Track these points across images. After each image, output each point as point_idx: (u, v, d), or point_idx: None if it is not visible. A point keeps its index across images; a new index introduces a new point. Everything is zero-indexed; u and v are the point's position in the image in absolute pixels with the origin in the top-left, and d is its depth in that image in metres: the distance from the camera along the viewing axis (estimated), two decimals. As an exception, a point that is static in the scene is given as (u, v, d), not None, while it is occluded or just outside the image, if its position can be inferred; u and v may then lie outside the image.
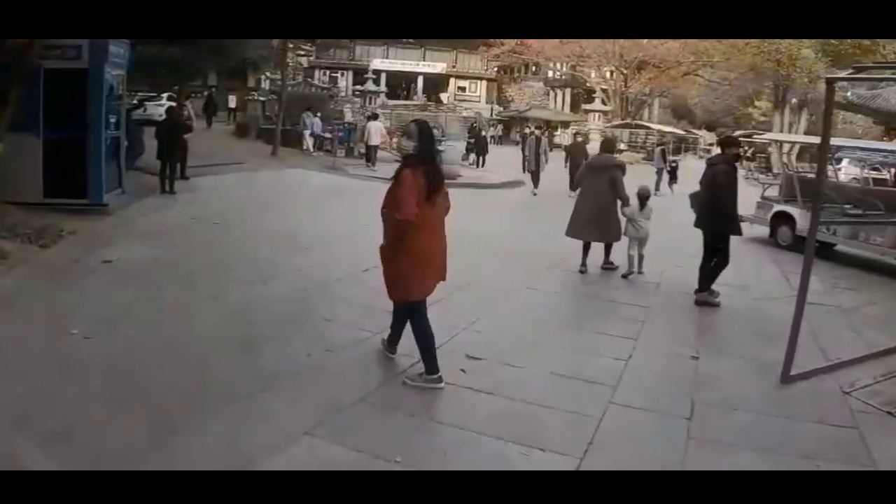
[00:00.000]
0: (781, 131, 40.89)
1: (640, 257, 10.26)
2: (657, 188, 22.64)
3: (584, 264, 10.19)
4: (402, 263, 5.36)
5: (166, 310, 6.88)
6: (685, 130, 56.04)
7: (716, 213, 8.70)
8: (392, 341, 6.00)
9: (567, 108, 60.77)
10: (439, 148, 22.48)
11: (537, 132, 23.89)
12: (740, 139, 9.80)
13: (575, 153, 21.30)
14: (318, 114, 29.79)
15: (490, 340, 6.74)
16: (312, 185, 19.50)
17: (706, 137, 57.82)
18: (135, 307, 6.85)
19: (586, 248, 10.24)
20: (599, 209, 10.00)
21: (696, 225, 9.08)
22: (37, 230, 9.60)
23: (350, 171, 22.53)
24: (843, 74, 7.98)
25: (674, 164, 25.67)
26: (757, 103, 55.89)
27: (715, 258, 8.86)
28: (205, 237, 10.80)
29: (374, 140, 24.61)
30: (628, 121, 50.26)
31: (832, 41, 41.54)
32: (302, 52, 47.82)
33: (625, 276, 10.11)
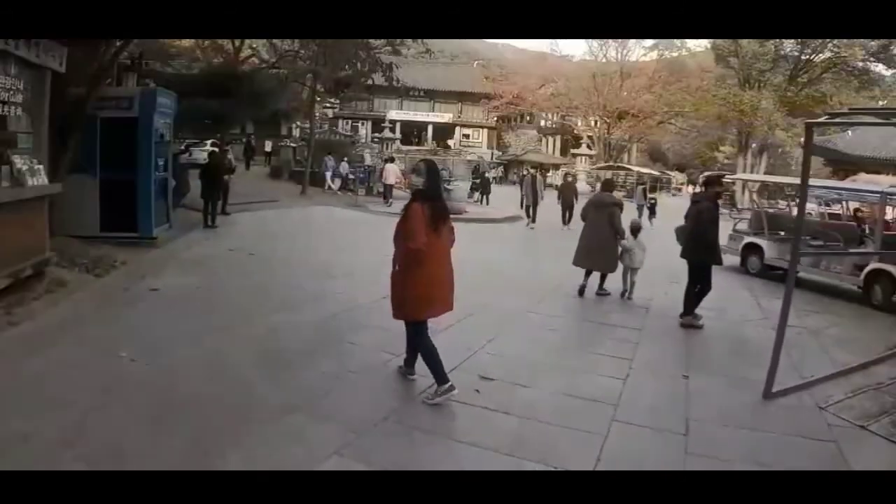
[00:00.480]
0: (744, 172, 41.05)
1: (632, 284, 10.13)
2: (639, 223, 22.42)
3: (582, 287, 10.01)
4: (413, 287, 5.22)
5: (205, 334, 6.54)
6: (660, 171, 55.91)
7: (700, 245, 8.58)
8: (409, 363, 5.73)
9: (557, 153, 61.04)
10: (448, 187, 22.50)
11: (532, 171, 23.75)
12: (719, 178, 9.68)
13: (566, 191, 21.33)
14: (345, 158, 29.91)
15: (501, 361, 6.43)
16: (337, 220, 19.22)
17: (678, 178, 57.97)
18: (177, 332, 6.55)
19: (587, 274, 10.08)
20: (599, 242, 9.90)
21: (682, 256, 8.91)
22: (93, 260, 9.40)
23: (370, 208, 22.26)
24: (821, 119, 7.76)
25: (653, 201, 25.78)
26: (721, 148, 56.28)
27: (698, 285, 8.66)
28: (242, 267, 10.51)
29: (391, 180, 24.81)
30: (611, 163, 50.51)
31: (788, 94, 41.93)
32: (328, 105, 48.06)
33: (622, 296, 10.04)
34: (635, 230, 10.34)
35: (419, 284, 5.21)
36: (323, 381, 5.52)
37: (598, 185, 39.38)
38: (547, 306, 9.21)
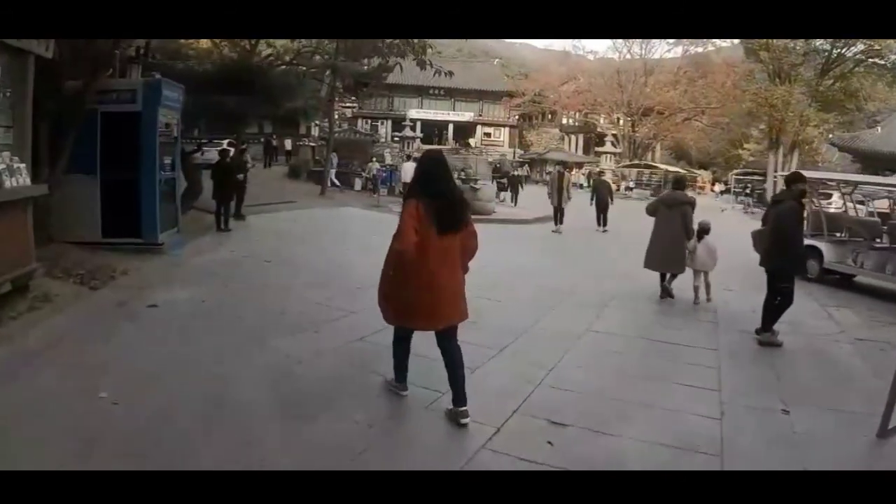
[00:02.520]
0: (775, 170, 40.03)
1: (696, 288, 9.60)
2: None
3: (666, 292, 9.63)
4: (408, 292, 4.51)
5: (207, 365, 5.35)
6: (686, 170, 54.63)
7: (782, 253, 7.45)
8: (459, 400, 4.62)
9: (580, 151, 59.94)
10: (475, 186, 21.26)
11: (559, 168, 20.89)
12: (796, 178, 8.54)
13: (600, 190, 19.82)
14: (374, 158, 29.75)
15: (570, 399, 5.22)
16: (358, 221, 17.93)
17: (704, 176, 56.65)
18: (173, 362, 5.36)
19: (664, 278, 9.70)
20: (671, 241, 9.42)
21: (762, 264, 7.80)
22: (90, 271, 8.34)
23: (393, 209, 21.03)
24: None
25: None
26: (746, 145, 54.86)
27: (778, 297, 7.55)
28: (255, 277, 9.31)
29: (409, 178, 23.37)
30: (636, 161, 49.37)
31: (819, 88, 40.53)
32: (347, 105, 47.41)
33: (695, 304, 9.46)
34: (703, 231, 9.71)
35: (415, 290, 4.49)
36: (355, 434, 4.30)
37: (628, 183, 37.83)
38: (606, 322, 7.99)
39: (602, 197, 19.29)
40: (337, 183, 27.39)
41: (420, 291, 4.46)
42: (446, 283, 4.53)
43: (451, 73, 11.57)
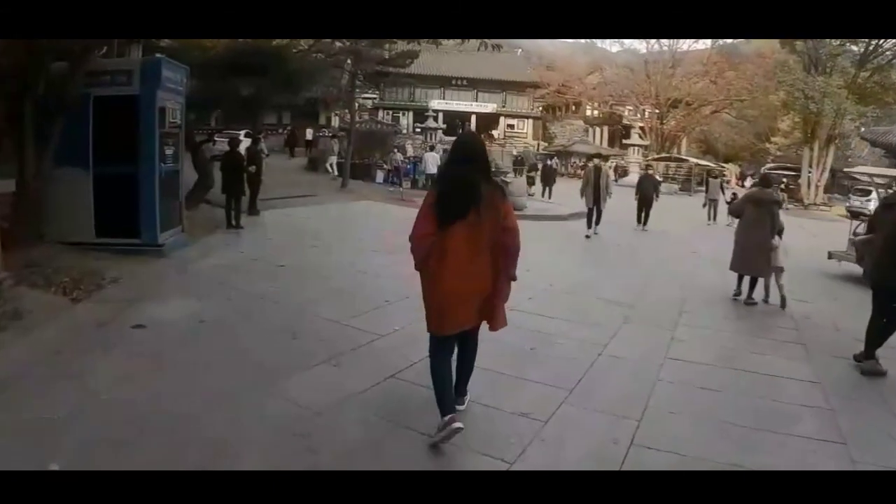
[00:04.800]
0: (810, 165, 38.60)
1: (781, 290, 9.02)
2: (710, 218, 20.28)
3: (748, 294, 9.08)
4: (425, 291, 4.11)
5: (195, 424, 4.04)
6: (715, 163, 53.13)
7: None
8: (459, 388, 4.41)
9: (605, 143, 58.63)
10: (505, 179, 19.90)
11: (596, 161, 17.41)
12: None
13: (645, 184, 18.23)
14: (395, 149, 29.40)
15: (672, 466, 3.90)
16: (382, 218, 16.19)
17: (732, 170, 55.09)
18: (151, 418, 4.07)
19: (741, 279, 9.24)
20: (758, 242, 8.85)
21: (871, 278, 6.61)
22: (75, 279, 7.22)
23: (418, 202, 19.82)
24: None
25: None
26: (773, 139, 53.36)
27: (885, 318, 6.24)
28: (264, 286, 7.91)
29: (431, 169, 23.15)
30: (665, 154, 48.00)
31: (858, 80, 38.90)
32: (367, 96, 46.40)
33: (764, 302, 9.14)
34: (780, 231, 9.12)
35: (428, 289, 4.08)
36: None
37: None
38: (684, 347, 6.58)
39: (647, 193, 17.68)
40: (333, 171, 26.85)
41: (443, 291, 3.99)
42: (461, 283, 3.97)
43: (499, 47, 10.44)
